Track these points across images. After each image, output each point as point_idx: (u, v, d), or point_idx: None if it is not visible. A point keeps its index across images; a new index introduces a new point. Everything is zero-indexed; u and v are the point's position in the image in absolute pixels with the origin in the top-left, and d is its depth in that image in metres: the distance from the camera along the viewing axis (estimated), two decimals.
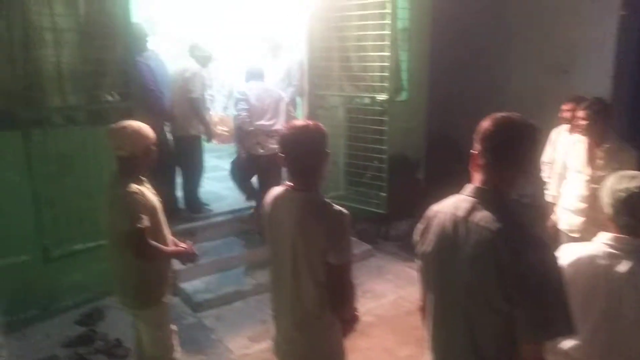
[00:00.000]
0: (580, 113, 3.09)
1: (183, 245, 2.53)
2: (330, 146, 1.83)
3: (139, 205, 2.24)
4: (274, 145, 4.12)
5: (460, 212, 1.45)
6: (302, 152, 1.77)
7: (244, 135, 4.30)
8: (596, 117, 3.02)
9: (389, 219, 5.08)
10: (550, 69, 5.42)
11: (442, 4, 5.58)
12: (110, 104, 3.52)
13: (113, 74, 3.47)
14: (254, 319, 3.66)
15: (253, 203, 4.63)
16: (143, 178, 2.39)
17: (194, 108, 4.45)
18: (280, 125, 4.20)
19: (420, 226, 1.63)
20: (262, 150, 4.31)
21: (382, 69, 4.46)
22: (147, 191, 2.36)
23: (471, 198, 1.46)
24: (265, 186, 4.24)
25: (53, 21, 3.19)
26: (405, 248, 4.93)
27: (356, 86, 4.79)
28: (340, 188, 5.09)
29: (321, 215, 1.75)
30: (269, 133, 4.29)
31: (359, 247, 4.74)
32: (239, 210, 4.92)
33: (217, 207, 4.95)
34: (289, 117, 4.51)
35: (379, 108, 4.58)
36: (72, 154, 3.35)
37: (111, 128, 2.30)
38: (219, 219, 4.76)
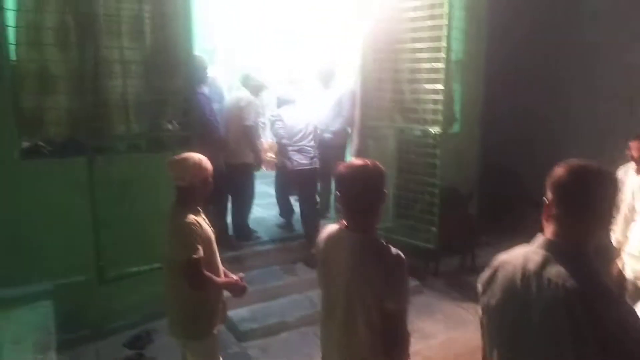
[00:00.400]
0: None
1: (234, 277, 2.54)
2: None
3: (196, 235, 2.28)
4: (304, 161, 4.69)
5: (531, 266, 1.37)
6: (360, 192, 1.74)
7: (280, 151, 4.85)
8: None
9: (439, 255, 4.93)
10: (614, 100, 5.17)
11: (498, 34, 5.50)
12: (170, 132, 3.66)
13: (174, 103, 3.62)
14: (300, 353, 3.60)
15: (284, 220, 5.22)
16: (199, 208, 2.44)
17: (248, 136, 4.55)
18: (309, 142, 4.72)
19: (484, 275, 1.54)
20: (292, 164, 4.70)
21: (435, 101, 4.41)
22: (203, 222, 2.41)
23: (543, 251, 1.38)
24: (301, 201, 4.92)
25: (121, 54, 3.38)
26: (455, 286, 4.75)
27: (408, 117, 4.75)
28: (388, 220, 5.00)
29: (379, 259, 1.71)
30: (300, 149, 4.69)
31: None
32: (287, 238, 4.93)
33: (265, 234, 4.98)
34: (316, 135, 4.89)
35: (431, 140, 4.50)
36: (131, 179, 3.46)
37: (173, 159, 2.38)
38: (267, 247, 4.78)
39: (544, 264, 1.35)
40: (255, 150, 4.71)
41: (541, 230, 1.42)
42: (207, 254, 2.35)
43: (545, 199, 1.40)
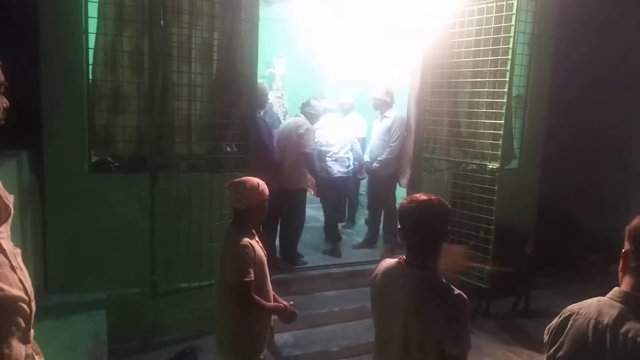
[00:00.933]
0: None
1: (284, 302, 2.53)
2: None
3: (249, 258, 2.30)
4: (341, 170, 5.21)
5: (605, 320, 1.28)
6: (423, 228, 1.71)
7: (319, 156, 5.17)
8: None
9: (491, 294, 4.72)
10: None
11: (564, 71, 5.34)
12: (228, 154, 3.76)
13: (235, 127, 3.73)
14: None
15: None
16: (254, 231, 2.47)
17: (308, 163, 4.62)
18: (345, 152, 5.24)
19: (552, 324, 1.45)
20: (332, 172, 5.14)
21: (495, 135, 4.30)
22: (257, 245, 2.43)
23: (618, 304, 1.28)
24: (329, 205, 5.34)
25: (189, 78, 3.54)
26: (507, 329, 4.52)
27: (465, 152, 4.65)
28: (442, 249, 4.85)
29: (441, 300, 1.65)
30: (337, 159, 5.18)
31: None
32: (333, 265, 4.89)
33: (311, 259, 4.97)
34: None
35: (489, 176, 4.37)
36: (189, 197, 3.58)
37: (232, 182, 2.43)
38: (313, 272, 4.76)
39: (619, 319, 1.26)
40: (317, 177, 4.78)
41: (610, 278, 1.34)
42: (259, 278, 2.36)
43: (623, 250, 1.32)
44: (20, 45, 3.39)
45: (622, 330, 1.24)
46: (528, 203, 5.41)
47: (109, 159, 3.64)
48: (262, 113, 4.80)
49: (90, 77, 3.50)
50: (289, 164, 4.58)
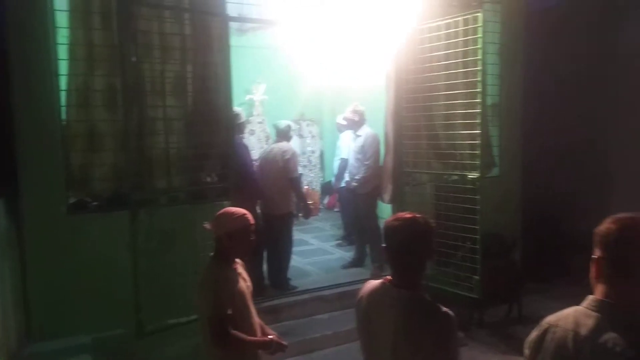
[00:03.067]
0: None
1: (271, 333, 2.48)
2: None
3: (226, 292, 2.22)
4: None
5: (583, 331, 1.28)
6: (408, 248, 1.70)
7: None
8: None
9: (483, 304, 4.71)
10: None
11: (536, 77, 5.45)
12: (209, 184, 3.75)
13: (213, 157, 3.72)
14: None
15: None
16: (238, 261, 2.42)
17: (295, 188, 4.62)
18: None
19: (531, 337, 1.45)
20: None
21: (472, 146, 4.35)
22: (240, 276, 2.38)
23: (595, 313, 1.29)
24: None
25: (164, 112, 3.54)
26: (502, 337, 4.51)
27: (445, 163, 4.69)
28: (428, 268, 4.85)
29: (429, 320, 1.65)
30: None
31: None
32: (324, 287, 4.85)
33: (301, 283, 4.92)
34: None
35: (470, 185, 4.41)
36: (171, 231, 3.54)
37: (215, 213, 2.38)
38: (304, 296, 4.71)
39: (598, 329, 1.26)
40: (305, 202, 4.77)
41: (590, 286, 1.34)
42: (241, 310, 2.29)
43: (593, 255, 1.32)
44: None
45: (601, 340, 1.24)
46: (512, 210, 5.45)
47: (87, 198, 3.59)
48: (243, 139, 4.80)
49: (64, 118, 3.48)
50: (276, 189, 4.57)
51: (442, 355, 1.62)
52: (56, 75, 3.43)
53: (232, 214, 2.34)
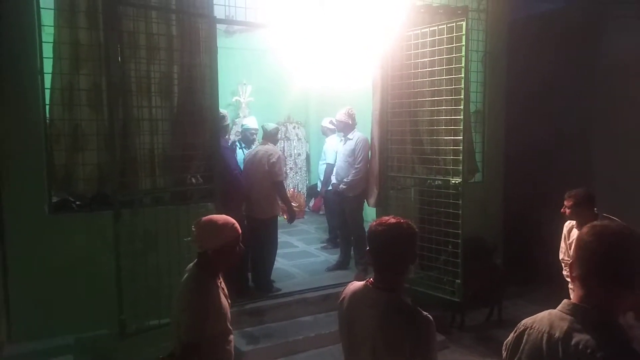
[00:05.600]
0: None
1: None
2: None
3: (206, 314, 2.05)
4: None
5: (557, 333, 1.32)
6: (391, 251, 1.73)
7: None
8: None
9: (465, 307, 4.78)
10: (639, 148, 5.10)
11: (519, 84, 5.55)
12: (193, 185, 3.74)
13: (198, 158, 3.72)
14: None
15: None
16: (218, 274, 2.21)
17: (280, 191, 4.62)
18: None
19: (508, 340, 1.49)
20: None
21: (456, 151, 4.42)
22: (222, 292, 2.20)
23: (568, 316, 1.33)
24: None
25: (150, 112, 3.53)
26: (483, 340, 4.57)
27: (429, 168, 4.76)
28: (411, 271, 4.91)
29: (408, 322, 1.68)
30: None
31: None
32: (308, 290, 4.87)
33: (285, 285, 4.92)
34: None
35: (453, 190, 4.48)
36: (155, 232, 3.53)
37: (197, 222, 2.13)
38: (288, 299, 4.71)
39: (570, 331, 1.30)
40: (289, 205, 4.78)
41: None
42: (222, 330, 2.16)
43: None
44: None
45: (573, 342, 1.28)
46: (494, 215, 5.54)
47: (70, 198, 3.57)
48: (229, 143, 4.80)
49: (48, 117, 3.45)
50: (262, 194, 4.57)
51: (420, 357, 1.65)
52: (41, 73, 3.41)
53: (219, 226, 2.09)
